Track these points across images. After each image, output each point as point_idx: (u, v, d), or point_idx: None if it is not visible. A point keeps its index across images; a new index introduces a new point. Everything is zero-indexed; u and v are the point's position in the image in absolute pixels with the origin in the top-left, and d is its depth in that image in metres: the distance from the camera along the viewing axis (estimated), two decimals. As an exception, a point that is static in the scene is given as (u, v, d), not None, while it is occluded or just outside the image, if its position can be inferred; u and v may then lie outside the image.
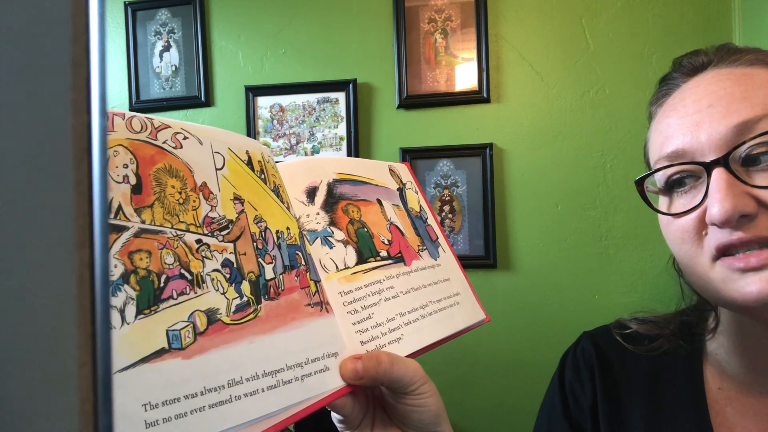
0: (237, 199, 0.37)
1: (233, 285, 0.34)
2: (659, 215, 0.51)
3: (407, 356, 0.43)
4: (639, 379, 0.57)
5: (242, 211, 0.37)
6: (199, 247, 0.33)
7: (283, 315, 0.37)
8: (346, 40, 1.47)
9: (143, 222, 0.31)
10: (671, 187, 0.48)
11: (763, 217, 0.42)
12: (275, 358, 0.35)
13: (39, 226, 0.14)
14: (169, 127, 0.34)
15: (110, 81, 1.60)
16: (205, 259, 0.33)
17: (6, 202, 0.14)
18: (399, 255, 0.49)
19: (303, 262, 0.41)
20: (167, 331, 0.30)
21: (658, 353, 0.57)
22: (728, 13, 1.32)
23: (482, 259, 1.39)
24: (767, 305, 0.42)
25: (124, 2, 1.57)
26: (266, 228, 0.38)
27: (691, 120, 0.46)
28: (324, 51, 1.48)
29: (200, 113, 1.55)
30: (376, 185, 0.52)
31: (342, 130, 1.47)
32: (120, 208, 0.30)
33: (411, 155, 1.44)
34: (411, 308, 0.47)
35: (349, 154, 1.46)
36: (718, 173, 0.43)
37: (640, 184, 0.52)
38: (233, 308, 0.34)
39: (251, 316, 0.34)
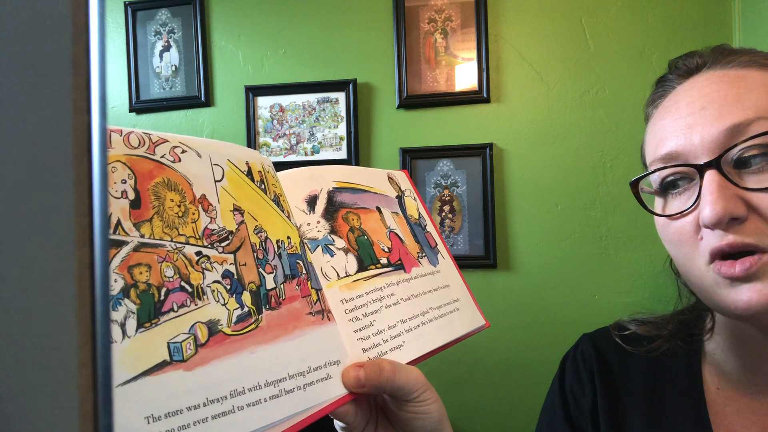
0: (237, 210, 0.37)
1: (234, 296, 0.34)
2: (655, 218, 0.51)
3: (409, 363, 0.44)
4: (638, 380, 0.57)
5: (242, 221, 0.37)
6: (199, 259, 0.33)
7: (284, 324, 0.37)
8: (346, 40, 1.47)
9: (142, 236, 0.31)
10: (666, 188, 0.49)
11: (753, 221, 0.42)
12: (277, 367, 0.35)
13: (39, 226, 0.14)
14: (167, 141, 0.35)
15: (110, 81, 1.60)
16: (205, 271, 0.33)
17: (6, 202, 0.14)
18: (399, 262, 0.49)
19: (304, 271, 0.41)
20: (168, 343, 0.30)
21: (657, 354, 0.57)
22: (728, 13, 1.32)
23: (482, 259, 1.39)
24: (757, 314, 0.42)
25: (124, 2, 1.57)
26: (266, 238, 0.39)
27: (685, 122, 0.46)
28: (324, 51, 1.48)
29: (200, 113, 1.55)
30: (375, 193, 0.52)
31: (342, 130, 1.47)
32: (119, 223, 0.30)
33: (411, 155, 1.44)
34: (412, 315, 0.47)
35: (349, 154, 1.46)
36: (710, 176, 0.43)
37: (635, 185, 0.52)
38: (234, 319, 0.34)
39: (252, 326, 0.35)
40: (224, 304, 0.34)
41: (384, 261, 0.48)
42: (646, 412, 0.55)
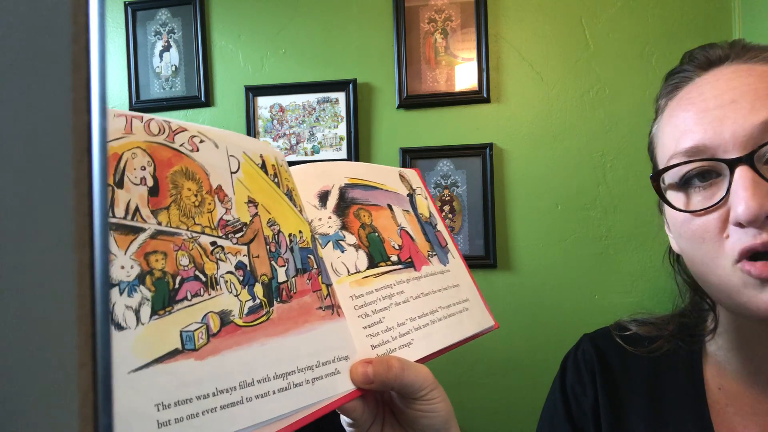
0: (251, 202, 0.37)
1: (246, 287, 0.35)
2: (671, 213, 0.49)
3: (417, 361, 0.43)
4: (640, 380, 0.57)
5: (256, 214, 0.37)
6: (213, 249, 0.33)
7: (294, 318, 0.37)
8: (346, 40, 1.47)
9: (160, 224, 0.31)
10: (688, 182, 0.46)
11: None
12: (286, 360, 0.35)
13: (39, 226, 0.14)
14: (186, 130, 0.35)
15: (110, 81, 1.60)
16: (219, 261, 0.34)
17: (6, 202, 0.14)
18: (409, 260, 0.49)
19: (315, 266, 0.41)
20: (181, 332, 0.30)
21: (658, 354, 0.57)
22: (728, 13, 1.32)
23: (482, 259, 1.39)
24: None
25: (124, 2, 1.57)
26: (279, 231, 0.39)
27: (713, 115, 0.44)
28: (324, 51, 1.48)
29: (200, 113, 1.55)
30: (387, 190, 0.52)
31: (342, 130, 1.47)
32: (137, 209, 0.30)
33: (411, 155, 1.44)
34: (421, 313, 0.47)
35: (349, 155, 1.46)
36: (742, 171, 0.42)
37: (656, 179, 0.49)
38: (246, 310, 0.34)
39: (263, 318, 0.35)
40: (237, 295, 0.34)
41: (394, 258, 0.48)
42: (648, 412, 0.55)
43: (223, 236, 0.34)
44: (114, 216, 0.29)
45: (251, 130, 1.50)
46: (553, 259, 1.38)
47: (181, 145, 0.34)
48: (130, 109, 1.58)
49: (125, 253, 0.29)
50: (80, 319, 0.14)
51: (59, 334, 0.14)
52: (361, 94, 1.47)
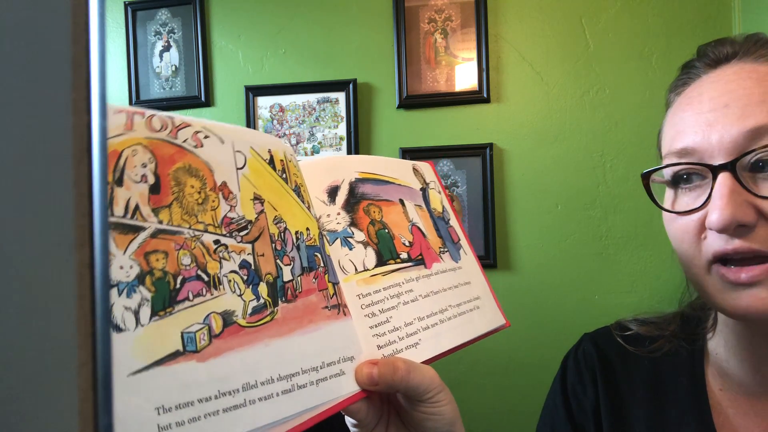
0: (257, 199, 0.36)
1: (250, 287, 0.34)
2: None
3: (424, 362, 0.43)
4: (641, 380, 0.57)
5: (262, 211, 0.36)
6: (216, 248, 0.33)
7: (299, 318, 0.36)
8: (346, 40, 1.47)
9: (161, 222, 0.30)
10: (677, 182, 0.48)
11: (762, 227, 0.41)
12: (291, 361, 0.34)
13: (39, 226, 0.14)
14: (190, 125, 0.34)
15: (110, 81, 1.60)
16: (222, 260, 0.33)
17: (6, 202, 0.14)
18: (420, 257, 0.48)
19: (322, 264, 0.40)
20: (182, 333, 0.29)
21: (659, 354, 0.57)
22: (728, 13, 1.32)
23: (482, 259, 1.39)
24: (756, 319, 0.43)
25: (124, 2, 1.57)
26: (286, 229, 0.38)
27: (705, 119, 0.45)
28: (324, 51, 1.48)
29: (200, 113, 1.55)
30: (399, 185, 0.51)
31: (342, 130, 1.47)
32: (137, 207, 0.29)
33: (411, 155, 1.44)
34: (430, 312, 0.46)
35: (348, 154, 1.46)
36: (723, 178, 0.42)
37: (646, 177, 0.51)
38: (250, 310, 0.33)
39: (267, 318, 0.34)
40: (240, 295, 0.33)
41: (404, 255, 0.47)
42: (649, 412, 0.55)
43: (227, 234, 0.33)
44: (113, 215, 0.28)
45: (251, 130, 1.50)
46: (553, 259, 1.38)
47: (184, 141, 0.33)
48: (130, 109, 1.58)
49: (124, 253, 0.28)
50: (80, 319, 0.14)
51: (59, 334, 0.14)
52: (361, 94, 1.47)
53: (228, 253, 0.33)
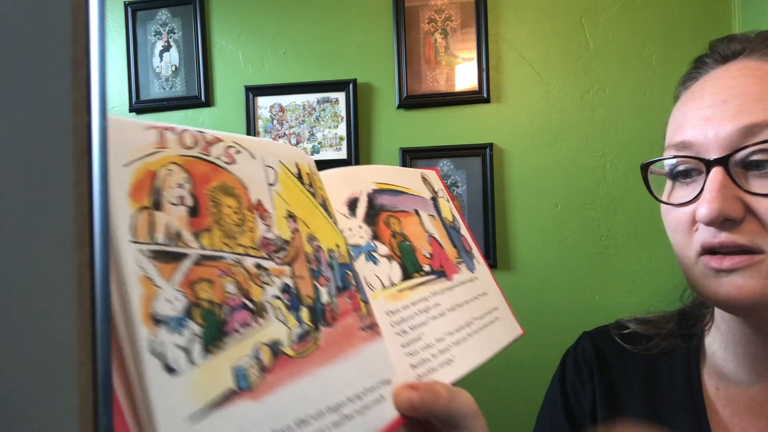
0: (290, 216, 0.34)
1: (293, 312, 0.31)
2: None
3: (457, 380, 0.40)
4: (637, 379, 0.57)
5: (296, 229, 0.34)
6: (259, 272, 0.30)
7: (339, 342, 0.33)
8: (346, 40, 1.47)
9: (203, 247, 0.28)
10: (676, 176, 0.49)
11: (749, 223, 0.42)
12: (336, 391, 0.32)
13: (39, 226, 0.14)
14: (222, 140, 0.31)
15: (110, 81, 1.60)
16: (265, 285, 0.30)
17: (6, 202, 0.14)
18: (441, 269, 0.46)
19: (353, 282, 0.38)
20: (234, 369, 0.27)
21: (656, 352, 0.57)
22: (728, 13, 1.32)
23: (482, 259, 1.39)
24: (737, 306, 0.44)
25: (124, 2, 1.57)
26: (319, 247, 0.35)
27: (704, 114, 0.46)
28: (324, 51, 1.48)
29: (200, 113, 1.55)
30: (413, 195, 0.49)
31: (342, 130, 1.47)
32: (179, 233, 0.27)
33: (411, 155, 1.44)
34: (458, 327, 0.44)
35: (349, 155, 1.46)
36: (715, 173, 0.43)
37: (645, 168, 0.52)
38: (295, 338, 0.31)
39: (312, 346, 0.31)
40: (284, 322, 0.30)
41: (427, 268, 0.44)
42: (644, 411, 0.55)
43: (267, 257, 0.31)
44: (155, 242, 0.25)
45: (251, 130, 1.50)
46: (553, 259, 1.38)
47: (217, 158, 0.31)
48: (130, 110, 1.58)
49: (170, 284, 0.25)
50: (80, 319, 0.14)
51: (59, 334, 0.14)
52: (361, 94, 1.47)
53: (269, 276, 0.31)
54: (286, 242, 0.33)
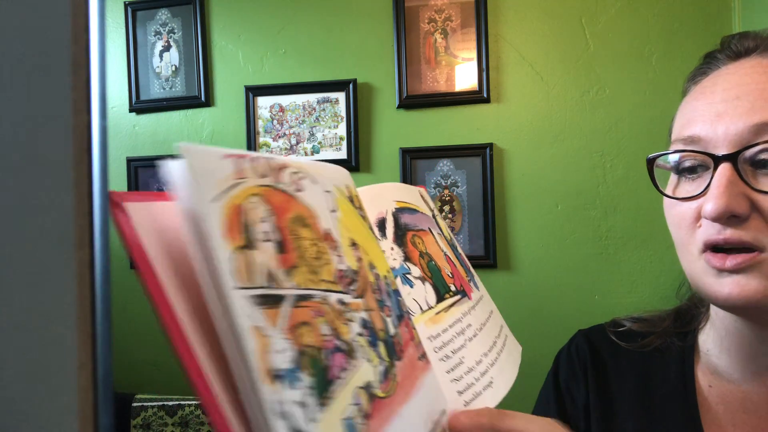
0: (353, 244, 0.31)
1: (373, 349, 0.29)
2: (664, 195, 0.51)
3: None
4: (631, 377, 0.57)
5: (360, 258, 0.31)
6: (342, 309, 0.27)
7: (410, 376, 0.31)
8: (346, 40, 1.47)
9: (296, 287, 0.25)
10: (681, 171, 0.49)
11: (754, 220, 0.42)
12: (418, 428, 0.30)
13: (39, 226, 0.14)
14: (287, 165, 0.28)
15: (110, 81, 1.60)
16: (349, 323, 0.27)
17: (6, 201, 0.14)
18: (462, 288, 0.44)
19: (405, 309, 0.35)
20: (344, 422, 0.24)
21: (650, 350, 0.57)
22: (728, 13, 1.32)
23: (482, 259, 1.39)
24: (737, 306, 0.43)
25: (124, 2, 1.57)
26: (377, 275, 0.33)
27: (715, 110, 0.45)
28: (324, 51, 1.48)
29: (200, 113, 1.55)
30: (423, 213, 0.46)
31: (342, 130, 1.47)
32: (272, 273, 0.24)
33: (411, 155, 1.44)
34: (488, 347, 0.42)
35: (349, 155, 1.46)
36: (723, 169, 0.43)
37: (651, 162, 0.51)
38: (380, 377, 0.28)
39: (393, 384, 0.29)
40: (369, 361, 0.28)
41: (453, 288, 0.42)
42: (638, 409, 0.55)
43: (345, 291, 0.28)
44: (256, 286, 0.23)
45: (251, 130, 1.50)
46: (553, 259, 1.38)
47: (288, 186, 0.28)
48: (130, 110, 1.58)
49: (277, 332, 0.23)
50: (80, 319, 0.14)
51: (59, 334, 0.14)
52: (361, 94, 1.47)
53: (351, 312, 0.28)
54: (356, 273, 0.30)
